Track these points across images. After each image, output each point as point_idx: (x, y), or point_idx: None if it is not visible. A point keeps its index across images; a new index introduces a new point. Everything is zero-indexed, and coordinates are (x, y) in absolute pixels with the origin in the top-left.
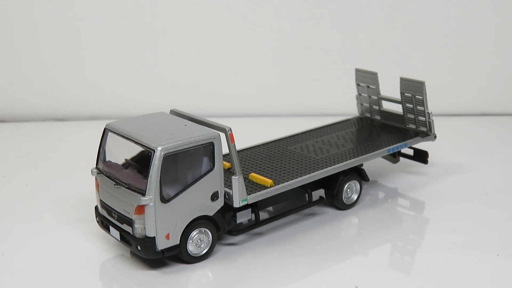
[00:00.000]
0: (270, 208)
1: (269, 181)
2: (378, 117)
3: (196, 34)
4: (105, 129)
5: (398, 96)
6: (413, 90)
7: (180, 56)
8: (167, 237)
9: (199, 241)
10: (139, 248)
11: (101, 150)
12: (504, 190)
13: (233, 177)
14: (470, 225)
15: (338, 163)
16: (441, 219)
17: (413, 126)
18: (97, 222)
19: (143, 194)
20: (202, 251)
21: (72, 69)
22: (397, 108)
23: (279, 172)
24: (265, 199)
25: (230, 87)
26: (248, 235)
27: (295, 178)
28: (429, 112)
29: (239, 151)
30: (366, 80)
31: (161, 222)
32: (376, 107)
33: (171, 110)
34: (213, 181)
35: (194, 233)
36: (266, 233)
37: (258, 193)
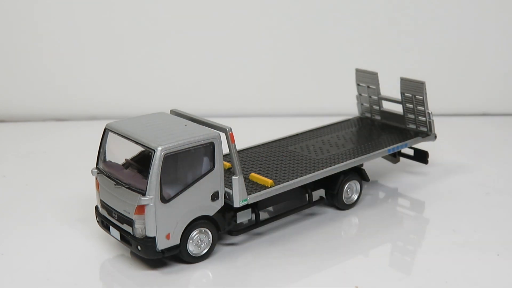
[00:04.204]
0: (270, 208)
1: (269, 181)
2: (378, 117)
3: (196, 34)
4: (105, 129)
5: (398, 96)
6: (413, 90)
7: (180, 56)
8: (167, 237)
9: (199, 241)
10: (139, 248)
11: (101, 150)
12: (504, 190)
13: (233, 177)
14: (470, 225)
15: (338, 163)
16: (441, 219)
17: (413, 126)
18: (97, 222)
19: (143, 194)
20: (202, 251)
21: (72, 69)
22: (397, 108)
23: (279, 172)
24: (265, 199)
25: (230, 87)
26: (248, 235)
27: (295, 178)
28: (430, 112)
29: (239, 151)
30: (366, 80)
31: (161, 222)
32: (376, 107)
33: (171, 110)
34: (213, 181)
35: (194, 233)
36: (266, 233)
37: (258, 193)
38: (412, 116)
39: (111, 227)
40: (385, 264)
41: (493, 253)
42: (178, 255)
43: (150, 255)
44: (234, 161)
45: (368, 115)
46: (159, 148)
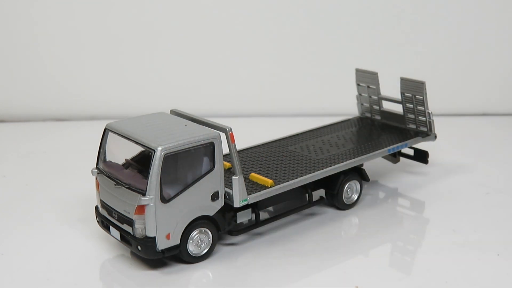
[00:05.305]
0: (271, 208)
1: (269, 181)
2: (378, 117)
3: (196, 34)
4: (105, 129)
5: (398, 96)
6: (413, 90)
7: (180, 56)
8: (168, 237)
9: (199, 241)
10: (139, 248)
11: (101, 150)
12: (504, 190)
13: (233, 177)
14: (470, 225)
15: (338, 163)
16: (441, 219)
17: (413, 126)
18: (97, 222)
19: (144, 194)
20: (202, 251)
21: (72, 69)
22: (398, 108)
23: (279, 172)
24: (265, 199)
25: (230, 87)
26: (248, 235)
27: (296, 178)
28: (430, 112)
29: (239, 151)
30: (366, 80)
31: (162, 222)
32: (377, 107)
33: (171, 110)
34: (213, 181)
35: (194, 233)
36: (266, 233)
37: (258, 193)
38: (412, 116)
39: (111, 227)
40: (385, 264)
41: (493, 253)
42: (178, 255)
43: (150, 255)
44: (234, 161)
45: (368, 115)
46: (159, 148)
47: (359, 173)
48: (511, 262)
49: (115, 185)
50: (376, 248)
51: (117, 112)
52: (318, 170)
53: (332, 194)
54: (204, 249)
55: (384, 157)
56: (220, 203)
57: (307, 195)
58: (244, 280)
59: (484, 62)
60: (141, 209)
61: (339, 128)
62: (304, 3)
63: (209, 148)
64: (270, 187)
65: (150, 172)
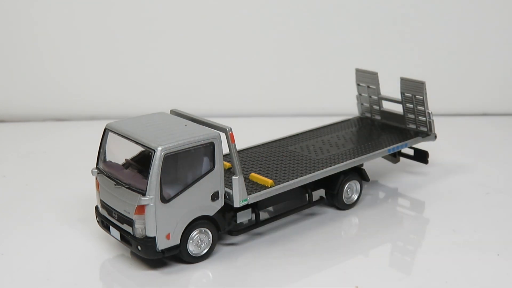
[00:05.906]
0: (271, 208)
1: (269, 181)
2: (378, 117)
3: (196, 34)
4: (105, 129)
5: (398, 96)
6: (413, 90)
7: (180, 56)
8: (168, 237)
9: (199, 241)
10: (139, 248)
11: (101, 150)
12: (504, 190)
13: (233, 177)
14: (470, 225)
15: (338, 163)
16: (441, 219)
17: (413, 126)
18: (97, 222)
19: (144, 194)
20: (202, 251)
21: (72, 69)
22: (398, 108)
23: (279, 172)
24: (265, 199)
25: (230, 87)
26: (248, 235)
27: (296, 178)
28: (430, 112)
29: (239, 151)
30: (366, 80)
31: (162, 222)
32: (377, 107)
33: (171, 110)
34: (213, 181)
35: (194, 233)
36: (266, 233)
37: (258, 193)
38: (412, 116)
39: (111, 227)
40: (385, 264)
41: (493, 253)
42: (178, 255)
43: (150, 255)
44: (234, 161)
45: (368, 115)
46: (159, 148)
47: (359, 173)
48: (511, 262)
49: (115, 185)
50: (376, 248)
51: (117, 112)
52: (318, 170)
53: (332, 194)
54: (204, 249)
55: (384, 157)
56: (220, 203)
57: (307, 195)
58: (244, 280)
59: (484, 62)
60: (141, 209)
61: (339, 128)
62: (304, 3)
63: (209, 148)
64: (270, 187)
65: (150, 172)
